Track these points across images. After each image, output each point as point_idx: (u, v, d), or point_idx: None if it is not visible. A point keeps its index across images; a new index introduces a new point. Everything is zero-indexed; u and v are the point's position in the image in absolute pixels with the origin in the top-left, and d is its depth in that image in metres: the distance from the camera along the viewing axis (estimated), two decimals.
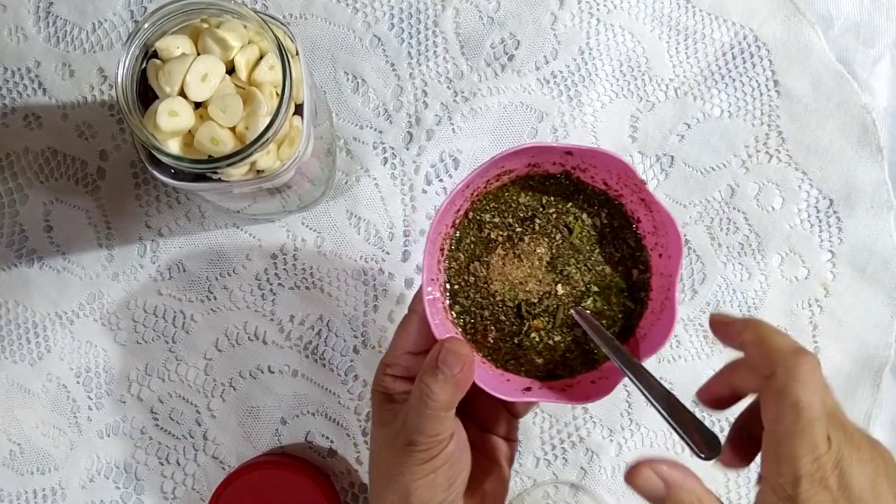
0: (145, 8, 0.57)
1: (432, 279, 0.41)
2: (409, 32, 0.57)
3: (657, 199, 0.39)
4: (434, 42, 0.57)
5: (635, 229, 0.42)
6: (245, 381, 0.56)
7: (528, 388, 0.42)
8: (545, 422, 0.55)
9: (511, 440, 0.45)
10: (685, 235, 0.56)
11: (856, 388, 0.55)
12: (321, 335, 0.56)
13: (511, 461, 0.45)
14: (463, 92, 0.56)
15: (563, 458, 0.55)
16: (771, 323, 0.36)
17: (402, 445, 0.39)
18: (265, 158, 0.43)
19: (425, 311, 0.39)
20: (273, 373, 0.56)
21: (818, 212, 0.56)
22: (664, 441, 0.55)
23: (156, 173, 0.43)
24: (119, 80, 0.41)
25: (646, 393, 0.37)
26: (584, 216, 0.43)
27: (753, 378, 0.36)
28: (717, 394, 0.39)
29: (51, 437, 0.56)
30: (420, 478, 0.39)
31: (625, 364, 0.38)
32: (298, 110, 0.44)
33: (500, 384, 0.41)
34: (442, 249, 0.42)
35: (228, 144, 0.42)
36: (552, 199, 0.43)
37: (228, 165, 0.41)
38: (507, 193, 0.43)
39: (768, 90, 0.56)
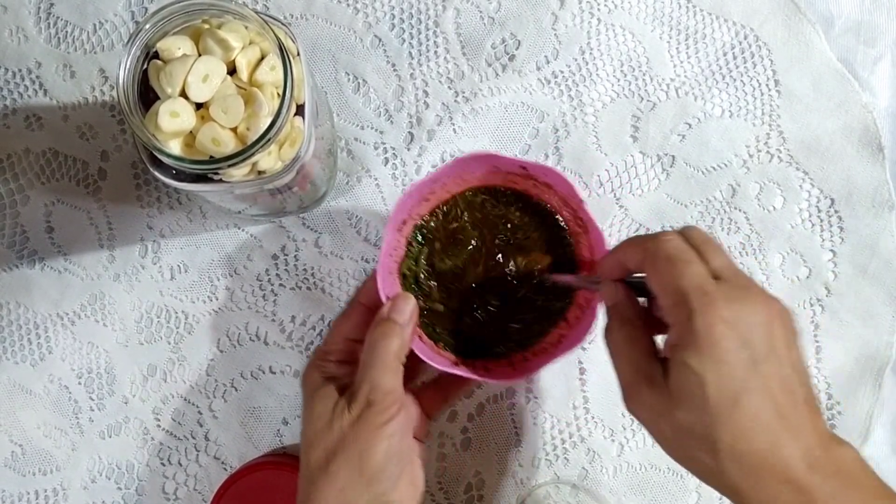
0: (146, 9, 0.57)
1: (389, 254, 0.48)
2: (410, 33, 0.57)
3: (593, 218, 0.46)
4: (435, 42, 0.57)
5: (569, 241, 0.50)
6: (247, 382, 0.56)
7: (456, 364, 0.49)
8: (546, 422, 0.55)
9: (420, 441, 0.47)
10: None
11: (857, 388, 0.55)
12: (322, 335, 0.56)
13: (424, 461, 0.46)
14: (464, 92, 0.56)
15: (565, 458, 0.55)
16: None
17: (361, 409, 0.41)
18: (266, 159, 0.43)
19: (375, 280, 0.45)
20: (275, 373, 0.56)
21: (819, 211, 0.56)
22: None
23: (157, 174, 0.43)
24: (120, 80, 0.41)
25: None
26: (530, 222, 0.50)
27: (637, 255, 0.39)
28: (610, 268, 0.42)
29: (52, 438, 0.56)
30: (378, 443, 0.41)
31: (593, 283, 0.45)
32: (300, 111, 0.44)
33: (434, 356, 0.47)
34: (401, 230, 0.48)
35: (230, 145, 0.42)
36: (503, 204, 0.50)
37: (230, 166, 0.41)
38: (469, 195, 0.50)
39: (769, 90, 0.56)
